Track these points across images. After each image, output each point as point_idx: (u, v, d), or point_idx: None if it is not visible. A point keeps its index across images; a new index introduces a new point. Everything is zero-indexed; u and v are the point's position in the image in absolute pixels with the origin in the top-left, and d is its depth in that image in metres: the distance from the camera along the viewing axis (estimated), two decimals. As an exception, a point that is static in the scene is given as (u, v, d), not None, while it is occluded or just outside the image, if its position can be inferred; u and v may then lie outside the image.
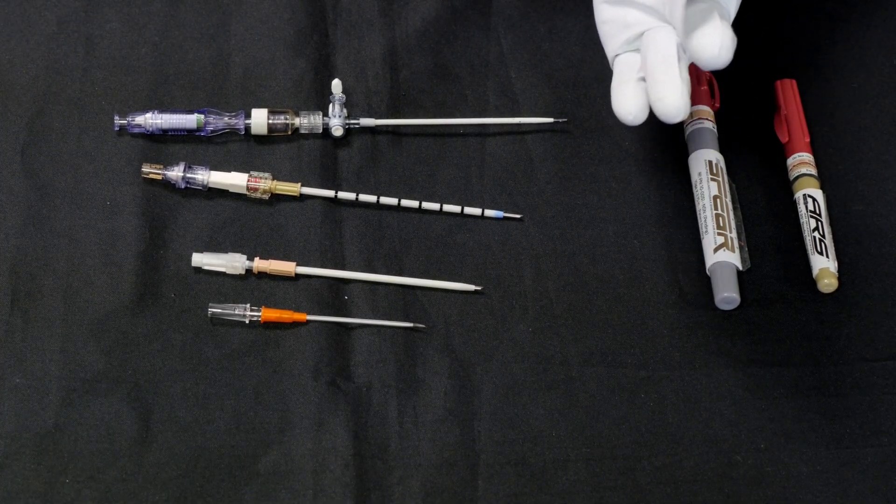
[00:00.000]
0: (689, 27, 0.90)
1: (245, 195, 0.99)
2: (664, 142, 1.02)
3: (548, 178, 1.01)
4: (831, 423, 0.92)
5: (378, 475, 0.89)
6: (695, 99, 1.02)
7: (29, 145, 1.00)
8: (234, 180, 0.98)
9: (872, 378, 0.93)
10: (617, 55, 0.95)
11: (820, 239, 0.97)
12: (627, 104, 0.92)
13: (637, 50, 0.94)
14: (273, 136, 1.01)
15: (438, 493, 0.89)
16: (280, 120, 1.01)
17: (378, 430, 0.91)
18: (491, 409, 0.92)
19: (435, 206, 0.99)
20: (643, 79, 0.92)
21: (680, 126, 1.02)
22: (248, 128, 1.01)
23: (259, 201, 0.99)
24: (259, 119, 1.01)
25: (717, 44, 0.89)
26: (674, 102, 0.90)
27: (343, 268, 0.97)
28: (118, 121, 1.00)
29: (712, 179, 0.99)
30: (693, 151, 1.01)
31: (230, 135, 1.01)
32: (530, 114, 1.03)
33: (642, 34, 0.93)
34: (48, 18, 1.05)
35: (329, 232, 0.98)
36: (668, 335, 0.95)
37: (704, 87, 1.03)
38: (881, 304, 0.96)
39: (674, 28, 0.91)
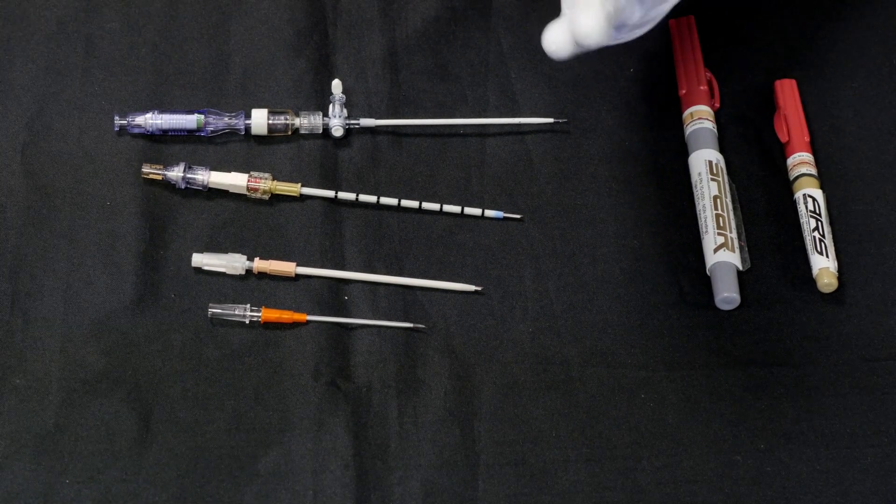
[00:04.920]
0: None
1: (245, 195, 0.99)
2: (664, 142, 1.02)
3: (548, 178, 1.01)
4: (831, 423, 0.92)
5: (378, 475, 0.89)
6: (695, 99, 1.02)
7: (29, 145, 1.00)
8: (234, 180, 0.98)
9: (872, 378, 0.93)
10: None
11: (820, 239, 0.97)
12: (551, 36, 0.88)
13: None
14: (273, 137, 1.01)
15: (438, 493, 0.89)
16: (280, 120, 1.01)
17: (378, 430, 0.91)
18: (491, 409, 0.92)
19: (435, 206, 0.99)
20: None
21: (680, 126, 1.02)
22: (248, 128, 1.01)
23: (259, 201, 0.99)
24: (259, 119, 1.01)
25: (591, 23, 0.86)
26: (587, 22, 0.86)
27: (343, 268, 0.97)
28: (118, 121, 1.00)
29: (712, 179, 0.99)
30: (693, 151, 1.01)
31: (230, 135, 1.01)
32: (530, 114, 1.03)
33: None
34: (48, 18, 1.05)
35: (329, 232, 0.98)
36: (668, 335, 0.95)
37: (704, 87, 1.03)
38: (881, 304, 0.96)
39: None
